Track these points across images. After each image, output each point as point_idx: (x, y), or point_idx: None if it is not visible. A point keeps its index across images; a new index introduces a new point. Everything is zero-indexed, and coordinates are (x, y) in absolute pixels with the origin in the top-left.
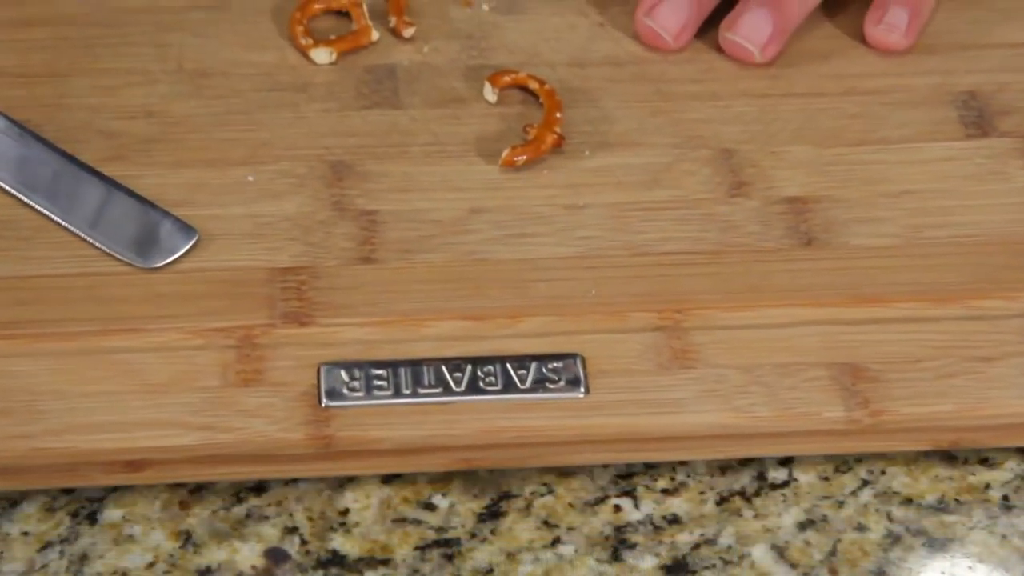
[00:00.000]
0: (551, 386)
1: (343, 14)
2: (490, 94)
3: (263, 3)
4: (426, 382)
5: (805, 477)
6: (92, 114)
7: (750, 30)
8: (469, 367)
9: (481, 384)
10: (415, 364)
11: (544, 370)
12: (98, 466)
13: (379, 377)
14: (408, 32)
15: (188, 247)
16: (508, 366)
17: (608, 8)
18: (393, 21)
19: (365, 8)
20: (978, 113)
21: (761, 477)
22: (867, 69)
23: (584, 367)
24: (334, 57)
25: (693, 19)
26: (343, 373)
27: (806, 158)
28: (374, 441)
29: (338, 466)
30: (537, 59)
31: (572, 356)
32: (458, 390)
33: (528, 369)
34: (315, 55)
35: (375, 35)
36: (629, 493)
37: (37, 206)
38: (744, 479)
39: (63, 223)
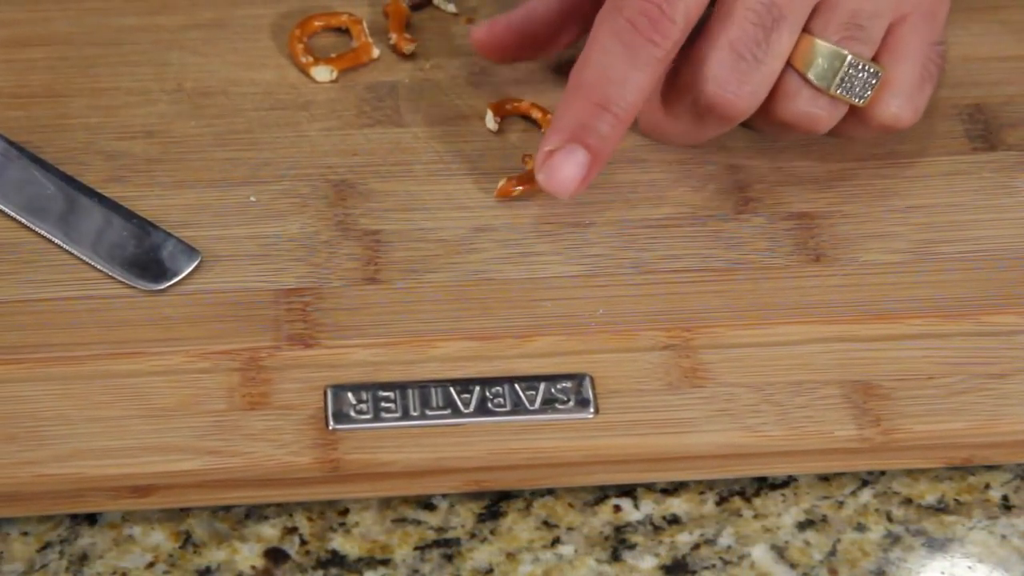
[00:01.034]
0: (560, 407)
1: (343, 31)
2: (491, 122)
3: (262, 21)
4: (434, 404)
5: (805, 477)
6: (92, 135)
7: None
8: (477, 388)
9: (490, 405)
10: (423, 386)
11: (553, 390)
12: (104, 492)
13: (387, 399)
14: (409, 49)
15: (191, 269)
16: (517, 387)
17: None
18: (394, 38)
19: (365, 25)
20: (984, 126)
21: (761, 477)
22: None
23: (593, 387)
24: (335, 75)
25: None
26: (350, 395)
27: (813, 173)
28: (383, 464)
29: (347, 489)
30: (539, 75)
31: (581, 376)
32: (467, 412)
33: (537, 390)
34: (315, 73)
35: (376, 52)
36: (629, 493)
37: (38, 229)
38: (744, 479)
39: (65, 246)
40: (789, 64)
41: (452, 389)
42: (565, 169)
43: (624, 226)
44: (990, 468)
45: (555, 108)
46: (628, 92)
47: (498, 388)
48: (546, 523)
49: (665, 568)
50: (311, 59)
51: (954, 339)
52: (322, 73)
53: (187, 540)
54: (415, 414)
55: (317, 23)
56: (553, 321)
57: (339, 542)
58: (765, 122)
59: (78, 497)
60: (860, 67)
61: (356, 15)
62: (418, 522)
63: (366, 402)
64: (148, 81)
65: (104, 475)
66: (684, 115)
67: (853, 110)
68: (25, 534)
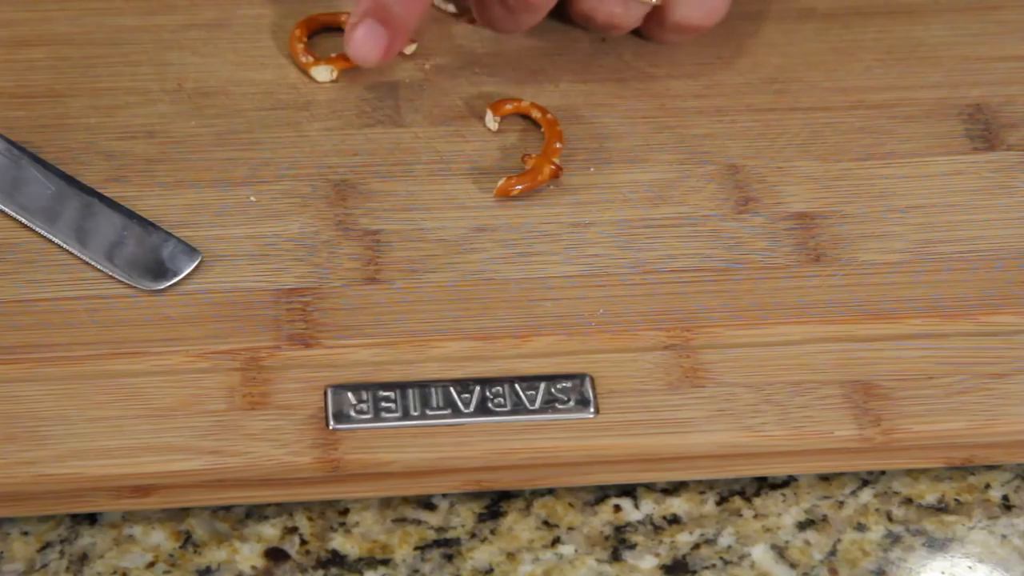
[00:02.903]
0: (560, 407)
1: (343, 31)
2: (491, 122)
3: (262, 21)
4: (434, 404)
5: (805, 477)
6: (92, 135)
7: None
8: (477, 388)
9: (490, 405)
10: (423, 386)
11: (553, 390)
12: (104, 492)
13: (387, 399)
14: (409, 49)
15: (191, 269)
16: (517, 387)
17: None
18: None
19: None
20: (984, 126)
21: (761, 477)
22: (872, 83)
23: (593, 387)
24: (335, 75)
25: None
26: (350, 395)
27: (813, 173)
28: (383, 464)
29: (347, 489)
30: (540, 75)
31: (581, 376)
32: (467, 411)
33: (537, 390)
34: (316, 73)
35: None
36: (629, 493)
37: (38, 229)
38: (744, 479)
39: (64, 246)
40: None
41: (452, 389)
42: (366, 42)
43: (624, 226)
44: (990, 468)
45: None
46: None
47: (498, 388)
48: (546, 523)
49: (665, 568)
50: (311, 59)
51: (954, 339)
52: (322, 73)
53: (187, 540)
54: (415, 414)
55: (317, 23)
56: (553, 321)
57: (339, 542)
58: (576, 15)
59: (78, 497)
60: None
61: None
62: (418, 522)
63: (366, 402)
64: (148, 81)
65: (104, 475)
66: (494, 6)
67: (654, 11)
68: (25, 534)
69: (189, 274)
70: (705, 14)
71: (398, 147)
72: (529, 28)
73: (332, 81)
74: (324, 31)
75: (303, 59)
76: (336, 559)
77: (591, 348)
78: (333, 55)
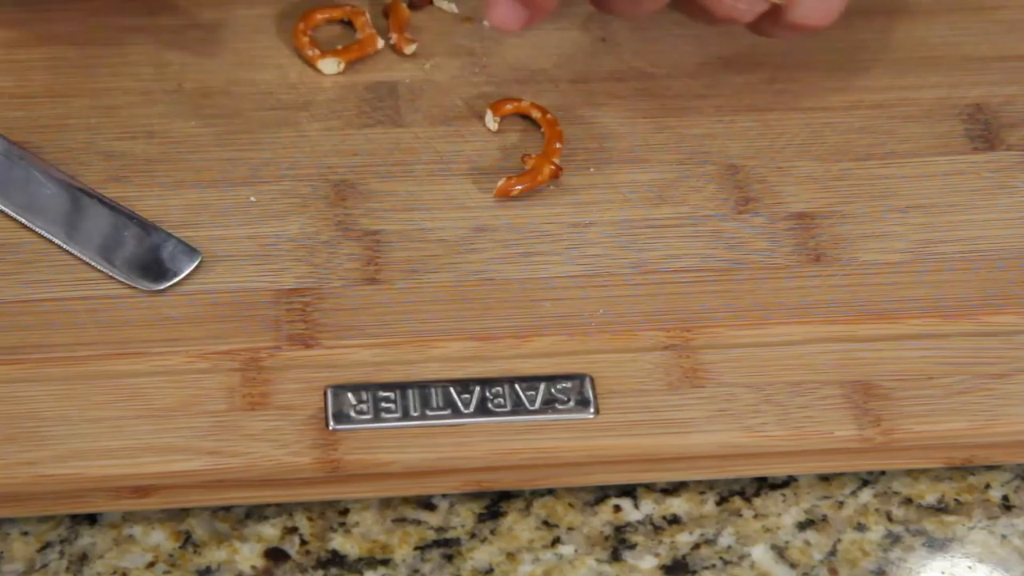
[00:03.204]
0: (560, 407)
1: (345, 23)
2: (491, 122)
3: (262, 22)
4: (434, 404)
5: (805, 477)
6: (92, 135)
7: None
8: (477, 388)
9: (490, 406)
10: (423, 386)
11: (553, 391)
12: (104, 492)
13: (387, 399)
14: (409, 49)
15: (191, 269)
16: (517, 387)
17: (610, 23)
18: (394, 38)
19: (368, 16)
20: (984, 126)
21: (761, 477)
22: (872, 82)
23: (593, 387)
24: (342, 67)
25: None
26: (350, 396)
27: (813, 173)
28: (383, 464)
29: (347, 489)
30: (540, 75)
31: (581, 376)
32: (467, 412)
33: (537, 390)
34: (323, 65)
35: (380, 43)
36: (629, 493)
37: (39, 229)
38: (744, 479)
39: (65, 246)
40: None
41: (452, 389)
42: (507, 16)
43: (624, 226)
44: (990, 468)
45: None
46: None
47: (498, 388)
48: (546, 523)
49: (665, 568)
50: (318, 52)
51: (954, 339)
52: (329, 66)
53: (187, 540)
54: (415, 414)
55: (320, 16)
56: (553, 321)
57: (339, 542)
58: (692, 6)
59: (78, 497)
60: None
61: (358, 6)
62: (418, 522)
63: (366, 402)
64: (148, 81)
65: (104, 475)
66: None
67: (771, 9)
68: (25, 534)
69: (189, 274)
70: (823, 15)
71: (398, 147)
72: (650, 14)
73: (339, 73)
74: (326, 24)
75: (309, 52)
76: (336, 559)
77: (591, 348)
78: (339, 47)
